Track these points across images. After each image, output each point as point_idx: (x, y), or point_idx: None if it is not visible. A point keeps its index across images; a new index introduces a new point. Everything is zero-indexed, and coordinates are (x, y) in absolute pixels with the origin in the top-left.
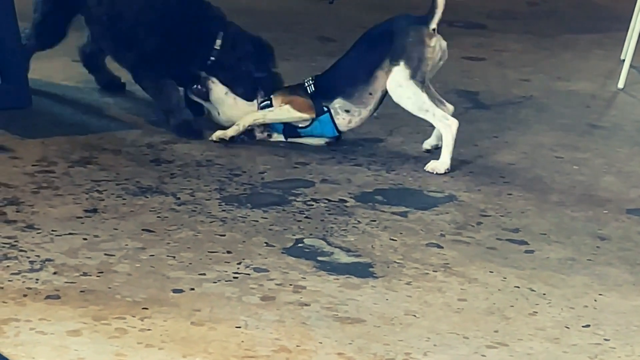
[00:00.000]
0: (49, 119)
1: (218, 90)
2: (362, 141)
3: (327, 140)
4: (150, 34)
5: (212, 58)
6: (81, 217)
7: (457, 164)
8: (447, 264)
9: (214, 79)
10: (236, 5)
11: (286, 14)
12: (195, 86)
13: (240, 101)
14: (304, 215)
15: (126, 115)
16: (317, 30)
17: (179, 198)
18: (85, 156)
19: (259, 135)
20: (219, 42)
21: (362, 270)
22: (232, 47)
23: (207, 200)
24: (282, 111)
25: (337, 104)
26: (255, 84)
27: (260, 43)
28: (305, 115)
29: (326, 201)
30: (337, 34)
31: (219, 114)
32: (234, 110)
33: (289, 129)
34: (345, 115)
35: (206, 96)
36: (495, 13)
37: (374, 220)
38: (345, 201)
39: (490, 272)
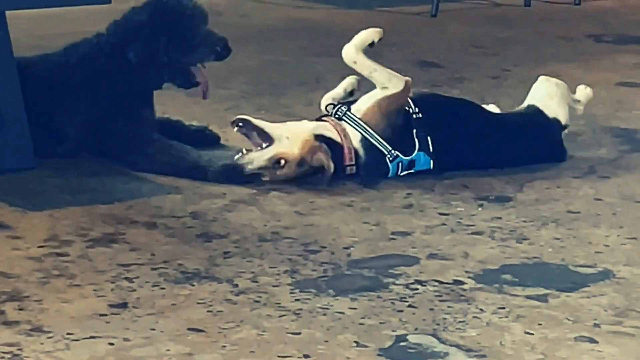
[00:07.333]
0: (58, 184)
1: None
2: (482, 200)
3: None
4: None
5: None
6: (106, 315)
7: (614, 228)
8: None
9: None
10: (316, 24)
11: None
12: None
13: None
14: (407, 304)
15: (161, 175)
16: (417, 53)
17: (236, 285)
18: (108, 232)
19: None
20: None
21: None
22: None
23: (274, 286)
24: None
25: None
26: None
27: None
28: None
29: (436, 283)
30: (442, 57)
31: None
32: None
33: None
34: None
35: None
36: None
37: (503, 308)
38: (462, 282)
39: None
